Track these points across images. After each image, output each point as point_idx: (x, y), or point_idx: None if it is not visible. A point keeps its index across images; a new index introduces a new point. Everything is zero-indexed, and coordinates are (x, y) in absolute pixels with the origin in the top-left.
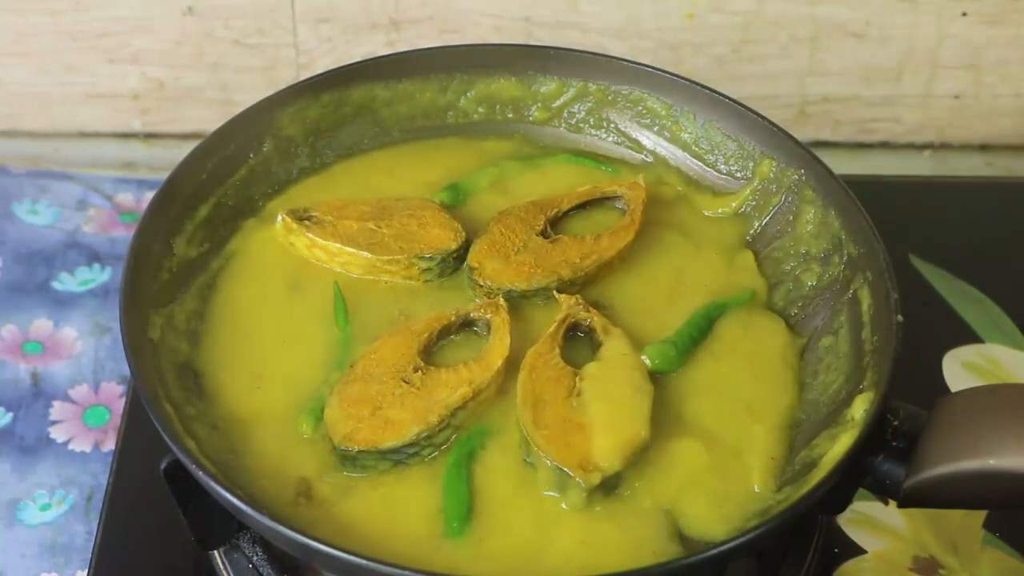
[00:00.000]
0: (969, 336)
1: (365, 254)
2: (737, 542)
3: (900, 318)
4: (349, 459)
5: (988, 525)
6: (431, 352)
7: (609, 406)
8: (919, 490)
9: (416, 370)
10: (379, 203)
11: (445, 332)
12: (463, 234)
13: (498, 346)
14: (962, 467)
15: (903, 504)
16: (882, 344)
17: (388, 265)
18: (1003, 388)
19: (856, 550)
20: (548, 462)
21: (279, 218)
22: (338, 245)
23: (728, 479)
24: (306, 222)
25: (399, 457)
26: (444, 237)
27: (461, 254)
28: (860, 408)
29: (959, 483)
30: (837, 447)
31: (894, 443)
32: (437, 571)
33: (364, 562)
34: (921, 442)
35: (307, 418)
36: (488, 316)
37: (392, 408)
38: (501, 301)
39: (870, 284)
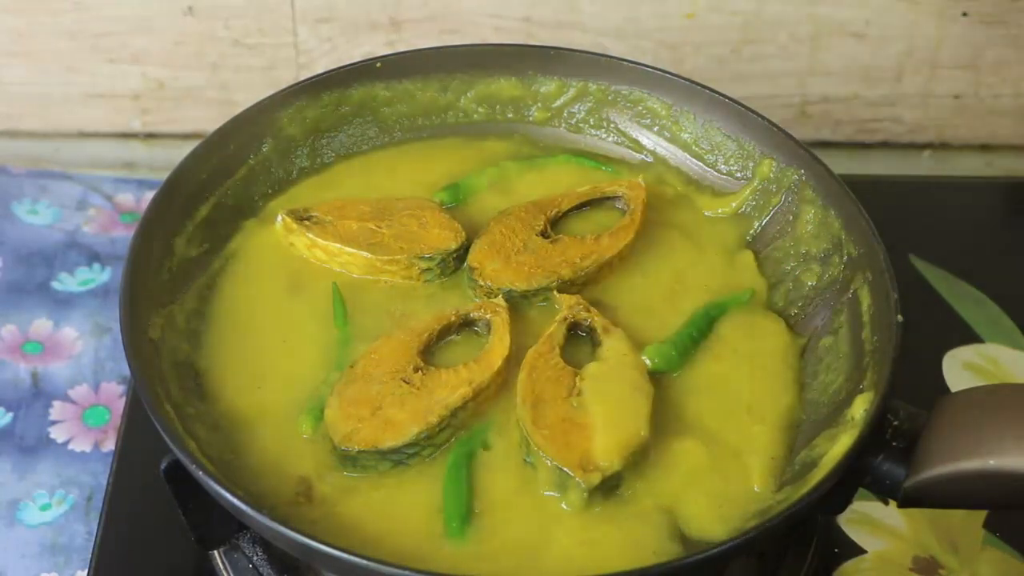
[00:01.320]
0: (969, 336)
1: (365, 254)
2: (736, 542)
3: (900, 318)
4: (349, 459)
5: (988, 525)
6: (431, 352)
7: (609, 406)
8: (919, 490)
9: (416, 370)
10: (379, 203)
11: (445, 332)
12: (463, 234)
13: (498, 346)
14: (962, 467)
15: (903, 504)
16: (882, 344)
17: (388, 265)
18: (1003, 388)
19: (856, 550)
20: (548, 462)
21: (279, 218)
22: (338, 245)
23: (728, 479)
24: (306, 222)
25: (399, 457)
26: (444, 237)
27: (461, 254)
28: (860, 408)
29: (959, 483)
30: (837, 447)
31: (894, 443)
32: (437, 571)
33: (364, 562)
34: (921, 442)
35: (307, 418)
36: (488, 316)
37: (392, 408)
38: (501, 301)
39: (870, 284)
